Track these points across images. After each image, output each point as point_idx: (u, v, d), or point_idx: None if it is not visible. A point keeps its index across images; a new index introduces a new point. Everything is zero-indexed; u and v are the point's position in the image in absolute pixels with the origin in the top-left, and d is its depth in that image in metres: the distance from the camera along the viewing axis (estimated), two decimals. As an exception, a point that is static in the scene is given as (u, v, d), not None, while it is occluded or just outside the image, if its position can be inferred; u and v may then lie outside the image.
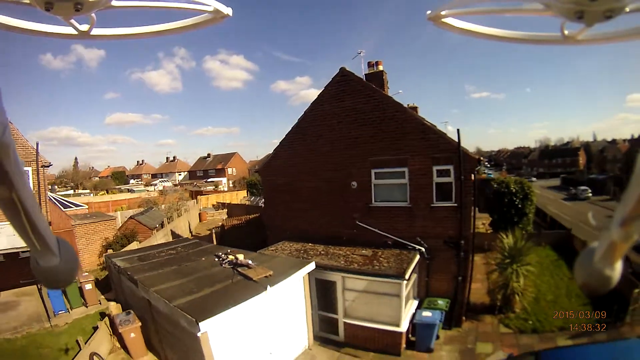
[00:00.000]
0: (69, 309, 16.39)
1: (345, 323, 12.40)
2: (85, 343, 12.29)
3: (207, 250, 15.55)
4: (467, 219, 12.38)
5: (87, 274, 17.89)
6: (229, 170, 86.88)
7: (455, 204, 12.47)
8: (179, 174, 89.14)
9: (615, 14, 0.90)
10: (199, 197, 49.35)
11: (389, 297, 11.44)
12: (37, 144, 20.05)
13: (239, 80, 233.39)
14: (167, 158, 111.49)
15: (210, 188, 65.97)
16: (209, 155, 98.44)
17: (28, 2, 0.94)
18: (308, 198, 15.99)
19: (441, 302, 12.38)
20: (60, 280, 1.27)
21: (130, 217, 28.68)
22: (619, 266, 1.17)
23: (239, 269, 11.73)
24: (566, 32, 1.06)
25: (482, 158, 13.44)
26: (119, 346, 13.13)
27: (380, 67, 15.76)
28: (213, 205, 46.91)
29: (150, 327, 12.11)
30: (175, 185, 73.94)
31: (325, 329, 12.92)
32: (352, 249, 13.29)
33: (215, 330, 8.86)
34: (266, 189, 18.87)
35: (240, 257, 12.74)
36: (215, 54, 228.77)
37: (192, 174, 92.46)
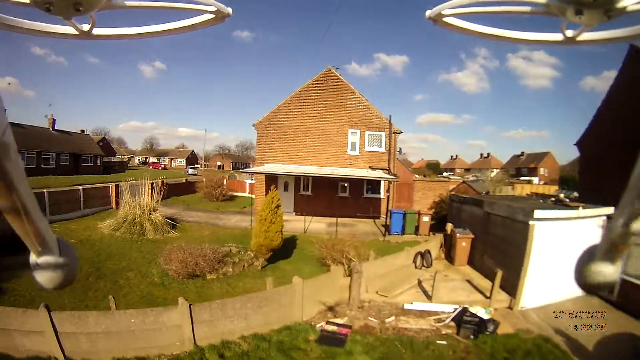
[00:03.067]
0: (402, 234, 21.76)
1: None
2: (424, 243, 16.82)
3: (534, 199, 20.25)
4: None
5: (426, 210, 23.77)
6: (541, 171, 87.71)
7: None
8: (492, 171, 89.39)
9: (615, 14, 0.91)
10: (514, 185, 51.88)
11: None
12: (390, 117, 27.78)
13: (545, 78, 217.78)
14: (480, 154, 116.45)
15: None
16: (522, 153, 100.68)
17: (28, 2, 0.96)
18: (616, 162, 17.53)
19: None
20: (60, 281, 1.29)
21: (463, 182, 33.89)
22: (618, 266, 1.20)
23: (560, 202, 15.44)
24: (567, 32, 1.07)
25: None
26: (443, 257, 17.34)
27: None
28: (527, 193, 49.06)
29: (476, 245, 16.48)
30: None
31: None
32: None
33: (540, 227, 12.59)
34: (582, 159, 22.55)
35: (561, 195, 16.15)
36: (517, 52, 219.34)
37: (504, 172, 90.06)
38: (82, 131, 69.06)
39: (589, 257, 1.24)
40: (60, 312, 8.79)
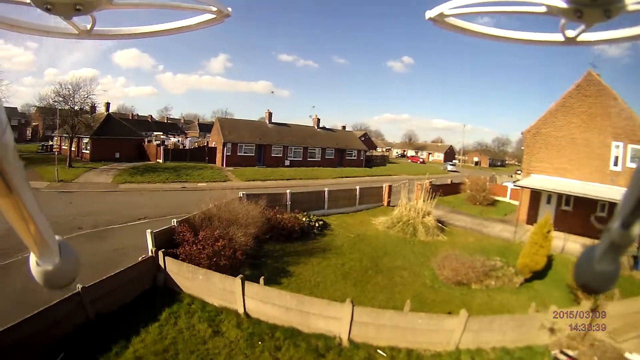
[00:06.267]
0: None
1: None
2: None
3: None
4: None
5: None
6: None
7: None
8: None
9: (615, 14, 0.96)
10: None
11: None
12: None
13: None
14: None
15: None
16: None
17: (28, 2, 1.00)
18: None
19: None
20: (60, 281, 1.35)
21: None
22: (618, 266, 1.23)
23: None
24: (567, 32, 1.12)
25: None
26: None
27: None
28: None
29: None
30: None
31: None
32: None
33: None
34: None
35: None
36: None
37: None
38: (343, 127, 79.01)
39: (588, 257, 1.27)
40: (362, 307, 12.23)
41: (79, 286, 11.85)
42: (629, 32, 1.09)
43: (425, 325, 11.90)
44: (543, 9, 1.04)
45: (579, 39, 1.13)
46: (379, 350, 11.87)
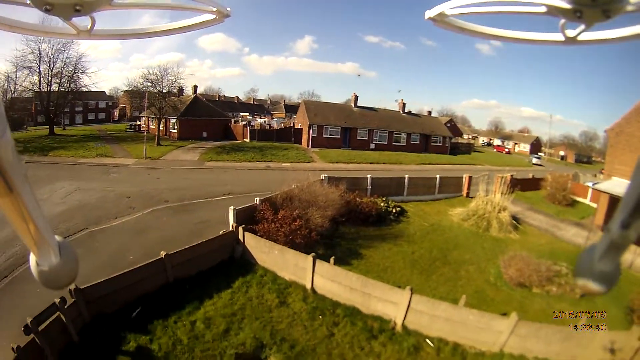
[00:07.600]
0: None
1: None
2: None
3: None
4: None
5: None
6: None
7: None
8: None
9: (614, 14, 0.97)
10: None
11: None
12: None
13: None
14: None
15: None
16: None
17: (28, 2, 1.00)
18: None
19: None
20: (60, 281, 1.37)
21: None
22: (619, 266, 1.25)
23: None
24: (567, 32, 1.14)
25: None
26: None
27: None
28: None
29: None
30: None
31: None
32: None
33: None
34: None
35: None
36: None
37: None
38: (429, 113, 78.62)
39: (588, 257, 1.29)
40: (419, 295, 12.82)
41: (163, 253, 13.65)
42: (629, 32, 1.12)
43: (475, 322, 12.28)
44: (543, 9, 1.08)
45: (580, 38, 1.16)
46: (427, 340, 12.54)
